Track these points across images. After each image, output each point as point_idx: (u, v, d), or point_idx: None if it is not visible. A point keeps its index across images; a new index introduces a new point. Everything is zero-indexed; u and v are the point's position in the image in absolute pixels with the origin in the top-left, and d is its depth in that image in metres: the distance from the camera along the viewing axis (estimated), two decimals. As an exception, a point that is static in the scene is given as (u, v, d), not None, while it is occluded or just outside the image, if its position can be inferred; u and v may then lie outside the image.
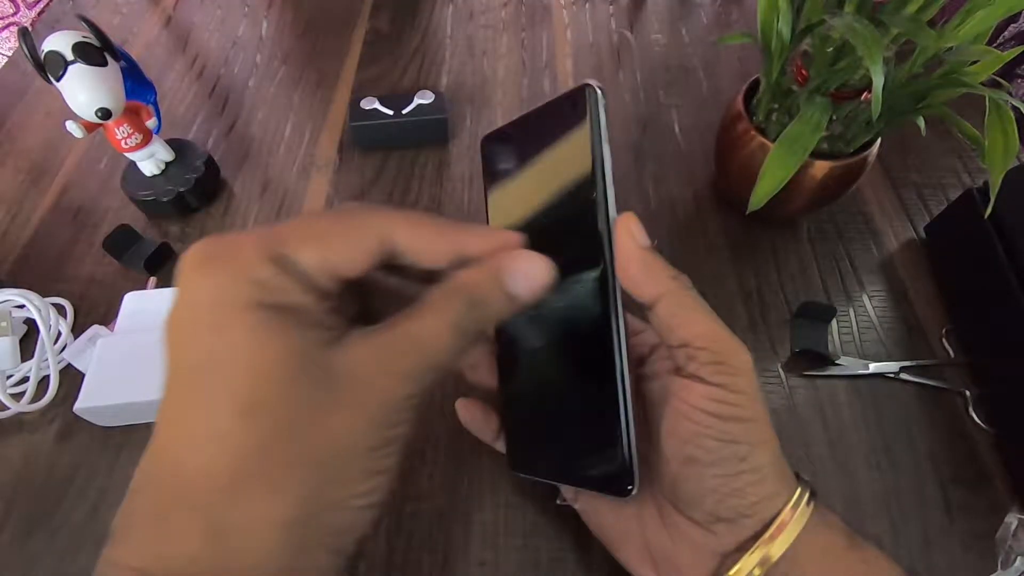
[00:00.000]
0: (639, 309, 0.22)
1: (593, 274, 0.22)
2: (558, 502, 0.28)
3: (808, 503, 0.21)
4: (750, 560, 0.20)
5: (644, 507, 0.24)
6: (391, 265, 0.19)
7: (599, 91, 0.21)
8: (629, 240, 0.21)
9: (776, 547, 0.20)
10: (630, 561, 0.24)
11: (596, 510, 0.26)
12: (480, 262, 0.19)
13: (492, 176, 0.26)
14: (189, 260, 0.16)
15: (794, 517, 0.21)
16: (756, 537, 0.21)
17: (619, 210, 0.22)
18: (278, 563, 0.15)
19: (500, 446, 0.27)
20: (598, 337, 0.21)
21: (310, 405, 0.16)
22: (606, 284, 0.21)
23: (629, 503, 0.24)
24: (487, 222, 0.26)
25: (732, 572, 0.21)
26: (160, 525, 0.15)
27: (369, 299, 0.21)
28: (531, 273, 0.19)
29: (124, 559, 0.15)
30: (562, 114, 0.22)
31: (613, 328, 0.21)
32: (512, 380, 0.26)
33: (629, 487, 0.21)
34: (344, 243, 0.17)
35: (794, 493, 0.21)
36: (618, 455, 0.21)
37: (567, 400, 0.24)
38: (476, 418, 0.27)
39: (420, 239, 0.18)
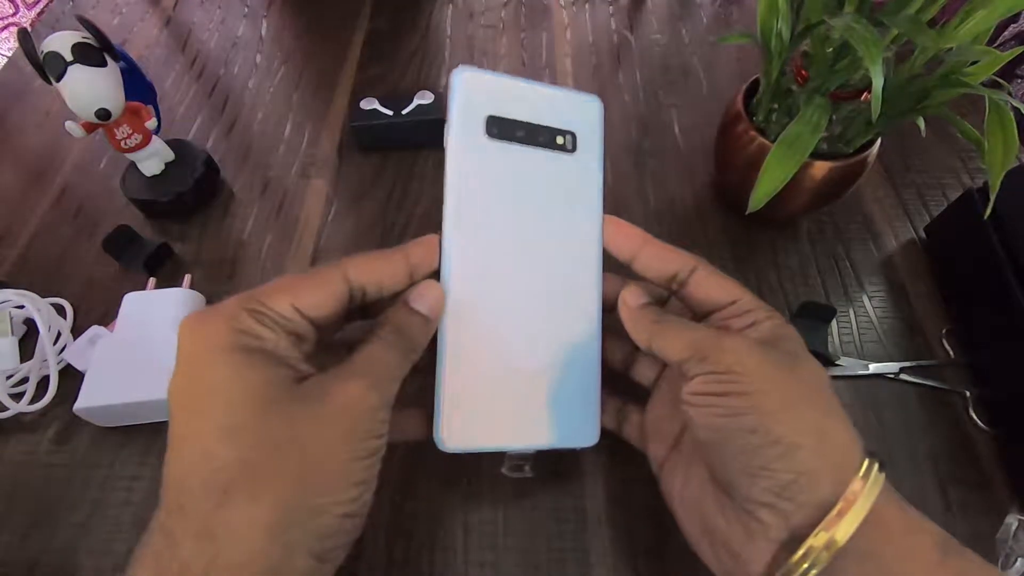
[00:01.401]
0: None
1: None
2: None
3: (875, 485, 0.19)
4: (807, 554, 0.19)
5: (707, 486, 0.23)
6: (370, 304, 0.24)
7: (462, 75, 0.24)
8: (622, 305, 0.26)
9: (841, 530, 0.19)
10: (690, 536, 0.24)
11: (670, 482, 0.25)
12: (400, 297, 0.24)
13: None
14: (186, 321, 0.20)
15: (853, 506, 0.19)
16: (810, 526, 0.19)
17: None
18: (261, 562, 0.17)
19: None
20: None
21: (285, 425, 0.19)
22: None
23: (694, 481, 0.24)
24: None
25: (794, 559, 0.19)
26: (165, 538, 0.18)
27: None
28: (427, 295, 0.24)
29: (135, 573, 0.18)
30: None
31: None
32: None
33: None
34: (310, 289, 0.21)
35: (854, 471, 0.20)
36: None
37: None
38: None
39: (372, 270, 0.23)
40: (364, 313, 0.26)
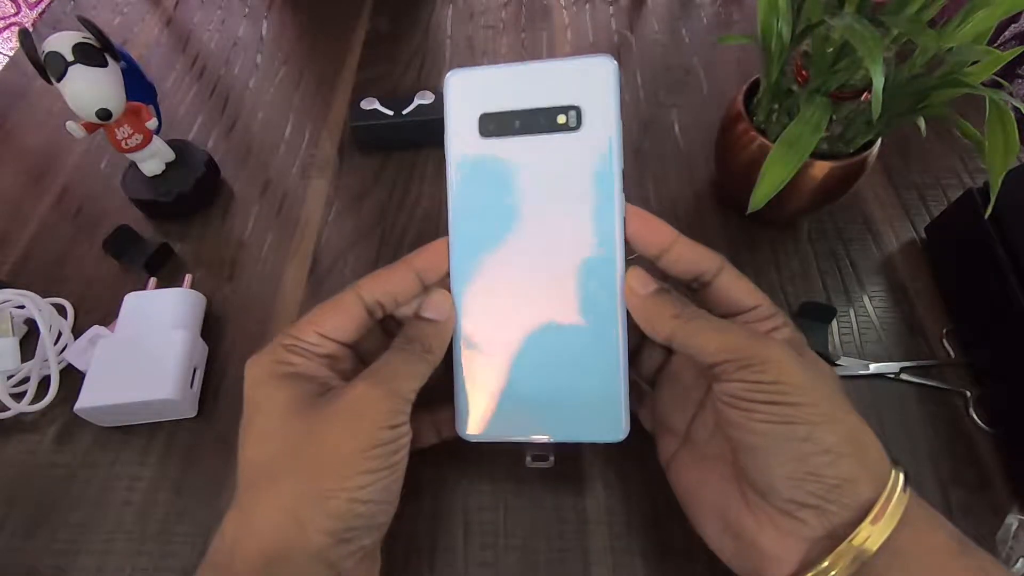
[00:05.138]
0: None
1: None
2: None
3: (904, 490, 0.21)
4: (847, 551, 0.20)
5: (729, 485, 0.23)
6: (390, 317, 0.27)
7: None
8: (630, 293, 0.24)
9: (873, 538, 0.20)
10: (707, 534, 0.24)
11: (681, 478, 0.26)
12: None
13: None
14: (248, 362, 0.24)
15: (890, 507, 0.20)
16: (849, 525, 0.20)
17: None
18: (277, 534, 0.21)
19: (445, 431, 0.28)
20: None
21: (304, 427, 0.22)
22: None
23: (712, 479, 0.24)
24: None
25: (825, 563, 0.20)
26: (223, 524, 0.22)
27: None
28: (434, 301, 0.25)
29: (208, 557, 0.22)
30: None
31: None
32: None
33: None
34: (329, 315, 0.25)
35: (887, 479, 0.21)
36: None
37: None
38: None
39: (381, 285, 0.25)
40: (387, 325, 0.28)
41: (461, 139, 0.25)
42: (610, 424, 0.25)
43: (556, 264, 0.25)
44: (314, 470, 0.21)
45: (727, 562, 0.23)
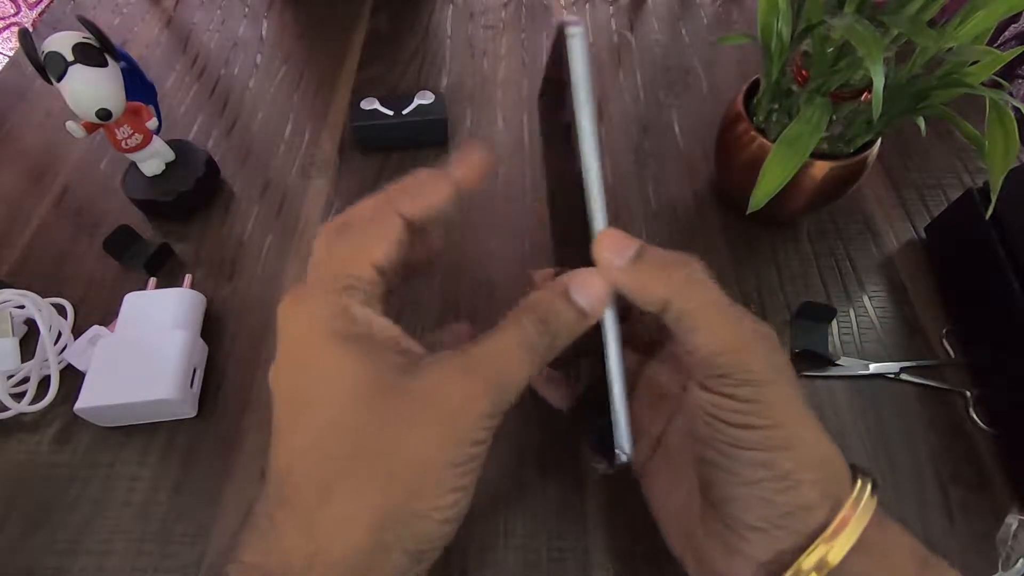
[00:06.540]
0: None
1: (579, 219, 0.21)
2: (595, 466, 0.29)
3: (872, 496, 0.20)
4: (808, 561, 0.19)
5: (692, 498, 0.23)
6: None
7: (576, 31, 0.19)
8: (610, 265, 0.20)
9: (835, 551, 0.19)
10: (674, 547, 0.24)
11: (651, 487, 0.25)
12: (548, 285, 0.21)
13: (544, 134, 0.26)
14: (285, 304, 0.19)
15: (850, 523, 0.19)
16: (797, 550, 0.19)
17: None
18: (359, 559, 0.17)
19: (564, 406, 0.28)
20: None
21: (389, 424, 0.18)
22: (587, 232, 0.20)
23: (678, 490, 0.24)
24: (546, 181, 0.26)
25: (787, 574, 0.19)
26: (269, 525, 0.18)
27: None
28: (592, 286, 0.20)
29: (241, 556, 0.18)
30: (557, 67, 0.21)
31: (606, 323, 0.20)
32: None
33: (612, 460, 0.21)
34: (380, 244, 0.20)
35: (847, 496, 0.20)
36: (608, 426, 0.21)
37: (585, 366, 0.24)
38: (549, 382, 0.28)
39: (416, 196, 0.21)
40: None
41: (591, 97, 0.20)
42: (610, 455, 0.22)
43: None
44: (404, 483, 0.17)
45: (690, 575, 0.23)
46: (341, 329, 0.18)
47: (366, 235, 0.20)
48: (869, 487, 0.20)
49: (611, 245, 0.20)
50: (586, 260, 0.21)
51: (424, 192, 0.21)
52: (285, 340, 0.19)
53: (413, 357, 0.19)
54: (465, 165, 0.21)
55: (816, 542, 0.19)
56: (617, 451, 0.20)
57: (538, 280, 0.26)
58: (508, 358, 0.19)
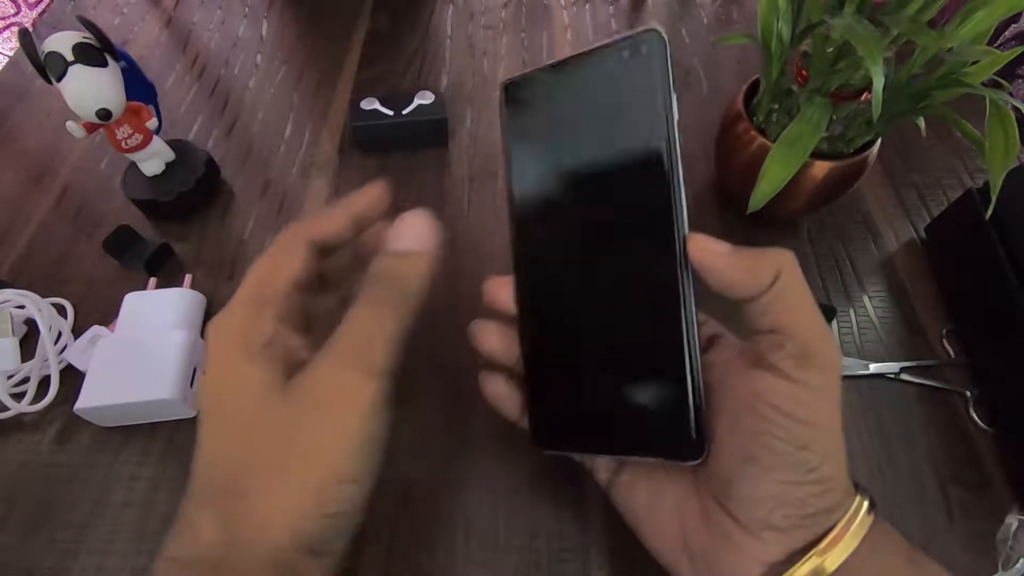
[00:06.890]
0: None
1: (651, 225, 0.23)
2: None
3: (868, 513, 0.20)
4: (801, 570, 0.19)
5: (686, 500, 0.23)
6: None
7: (665, 38, 0.21)
8: (717, 253, 0.21)
9: (831, 559, 0.19)
10: (663, 553, 0.23)
11: (630, 496, 0.25)
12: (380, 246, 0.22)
13: (517, 128, 0.25)
14: (211, 322, 0.21)
15: (852, 528, 0.20)
16: (807, 548, 0.20)
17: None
18: (279, 556, 0.18)
19: (523, 422, 0.26)
20: (661, 283, 0.22)
21: (285, 425, 0.19)
22: (670, 236, 0.22)
23: (666, 494, 0.23)
24: (508, 180, 0.25)
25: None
26: (188, 524, 0.19)
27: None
28: (408, 227, 0.22)
29: (166, 552, 0.19)
30: (615, 65, 0.22)
31: (679, 272, 0.21)
32: (543, 345, 0.25)
33: (699, 452, 0.21)
34: (290, 261, 0.21)
35: (853, 503, 0.20)
36: (685, 415, 0.21)
37: (620, 359, 0.23)
38: (501, 391, 0.26)
39: (320, 223, 0.22)
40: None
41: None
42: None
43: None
44: (301, 479, 0.19)
45: None
46: (251, 340, 0.20)
47: (278, 256, 0.22)
48: (867, 504, 0.21)
49: (707, 240, 0.22)
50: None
51: (326, 221, 0.23)
52: (207, 352, 0.21)
53: (304, 359, 0.20)
54: (359, 200, 0.24)
55: (810, 553, 0.20)
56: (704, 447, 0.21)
57: (490, 287, 0.26)
58: (371, 337, 0.20)
